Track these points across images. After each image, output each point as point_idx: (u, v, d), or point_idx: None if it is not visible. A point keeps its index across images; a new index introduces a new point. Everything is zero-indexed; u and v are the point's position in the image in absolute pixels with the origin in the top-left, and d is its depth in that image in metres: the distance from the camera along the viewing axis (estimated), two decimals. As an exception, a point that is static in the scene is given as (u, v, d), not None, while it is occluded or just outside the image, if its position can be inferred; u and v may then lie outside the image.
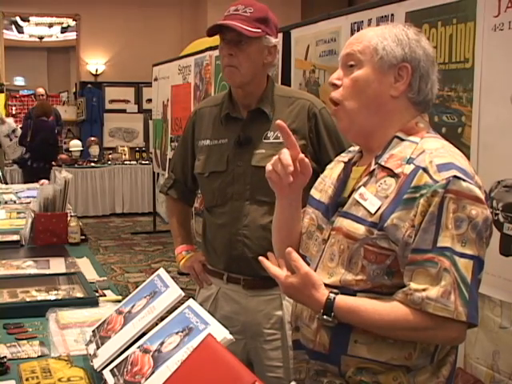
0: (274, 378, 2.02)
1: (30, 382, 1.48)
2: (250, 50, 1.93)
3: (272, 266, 1.46)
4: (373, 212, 1.33)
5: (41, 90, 9.17)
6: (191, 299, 1.48)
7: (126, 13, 10.34)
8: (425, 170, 1.30)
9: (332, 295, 1.35)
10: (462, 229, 1.26)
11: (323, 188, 1.55)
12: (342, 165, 1.54)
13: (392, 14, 2.72)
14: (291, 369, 1.74)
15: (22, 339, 1.78)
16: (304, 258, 1.48)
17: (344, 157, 1.57)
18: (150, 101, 8.27)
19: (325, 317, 1.35)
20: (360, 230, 1.35)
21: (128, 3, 10.35)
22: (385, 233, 1.31)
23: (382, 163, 1.38)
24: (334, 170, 1.56)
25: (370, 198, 1.35)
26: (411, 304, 1.28)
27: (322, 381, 1.43)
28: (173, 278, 1.66)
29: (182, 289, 1.56)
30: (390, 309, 1.31)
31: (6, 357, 1.61)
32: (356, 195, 1.39)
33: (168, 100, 6.53)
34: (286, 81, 3.62)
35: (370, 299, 1.34)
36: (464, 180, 1.27)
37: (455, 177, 1.27)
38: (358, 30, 2.97)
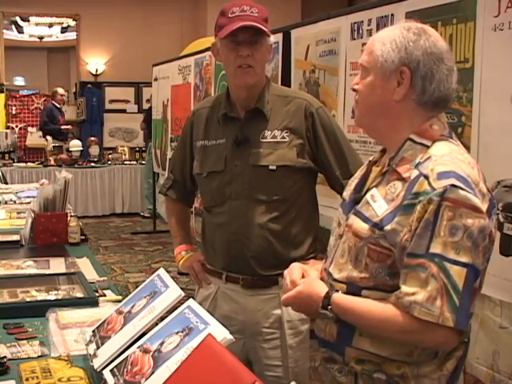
0: (273, 377, 2.02)
1: (29, 382, 1.48)
2: (263, 49, 1.97)
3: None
4: (379, 214, 1.37)
5: (61, 91, 9.32)
6: (191, 299, 1.48)
7: (126, 13, 10.33)
8: (426, 177, 1.32)
9: (332, 292, 1.42)
10: (456, 236, 1.28)
11: (349, 185, 1.61)
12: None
13: (392, 14, 2.72)
14: (308, 357, 1.86)
15: (22, 339, 1.78)
16: (326, 252, 1.59)
17: (372, 157, 1.62)
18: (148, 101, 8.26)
19: (323, 311, 1.42)
20: (365, 229, 1.40)
21: (128, 3, 10.35)
22: (384, 233, 1.35)
23: (394, 166, 1.41)
24: (361, 172, 1.61)
25: (379, 200, 1.40)
26: (401, 307, 1.32)
27: (333, 367, 1.49)
28: (173, 278, 1.66)
29: (182, 289, 1.56)
30: (382, 309, 1.35)
31: (5, 357, 1.61)
32: (368, 195, 1.44)
33: (168, 100, 6.52)
34: (286, 81, 3.62)
35: (367, 299, 1.38)
36: (462, 189, 1.29)
37: (453, 185, 1.29)
38: (358, 30, 2.98)
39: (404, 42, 1.40)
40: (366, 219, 1.40)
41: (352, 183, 1.60)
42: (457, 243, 1.28)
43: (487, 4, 2.17)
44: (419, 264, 1.30)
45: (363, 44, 2.90)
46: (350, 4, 9.33)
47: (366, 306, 1.37)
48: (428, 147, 1.39)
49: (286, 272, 1.59)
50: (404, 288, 1.31)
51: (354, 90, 1.50)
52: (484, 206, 1.31)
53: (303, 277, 1.54)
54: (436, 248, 1.28)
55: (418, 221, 1.30)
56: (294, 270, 1.56)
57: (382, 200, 1.39)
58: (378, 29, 2.82)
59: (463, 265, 1.28)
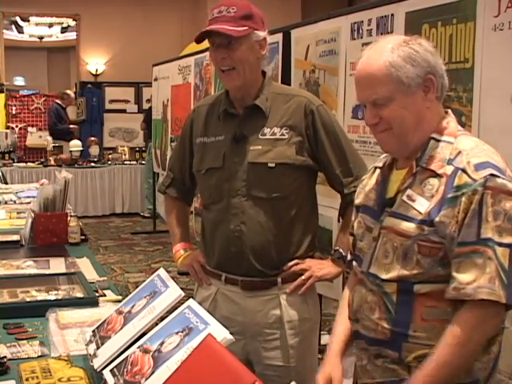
0: (275, 377, 2.02)
1: (29, 382, 1.48)
2: (242, 49, 1.93)
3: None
4: (422, 212, 1.45)
5: (72, 94, 9.53)
6: (191, 299, 1.48)
7: (126, 12, 10.34)
8: (463, 170, 1.41)
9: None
10: (499, 220, 1.38)
11: (364, 192, 1.65)
12: (378, 171, 1.64)
13: (392, 14, 2.72)
14: (352, 354, 1.83)
15: (22, 339, 1.78)
16: (358, 256, 1.63)
17: (378, 163, 1.67)
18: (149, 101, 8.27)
19: None
20: (411, 228, 1.46)
21: (128, 3, 10.35)
22: (435, 228, 1.41)
23: (424, 165, 1.48)
24: (371, 178, 1.66)
25: (418, 199, 1.47)
26: (464, 297, 1.38)
27: (385, 360, 1.53)
28: (173, 278, 1.67)
29: (182, 289, 1.57)
30: (449, 335, 1.39)
31: (5, 357, 1.61)
32: (404, 197, 1.50)
33: (168, 100, 6.52)
34: (286, 81, 3.62)
35: (431, 357, 1.40)
36: (499, 177, 1.39)
37: (492, 175, 1.39)
38: (358, 30, 2.97)
39: (419, 55, 1.47)
40: (408, 219, 1.46)
41: (363, 190, 1.65)
42: (499, 226, 1.38)
43: (487, 4, 2.17)
44: (472, 251, 1.38)
45: (363, 44, 2.90)
46: (350, 4, 9.33)
47: (437, 354, 1.39)
48: (451, 143, 1.47)
49: None
50: (461, 278, 1.38)
51: (375, 124, 1.51)
52: None
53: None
54: (487, 233, 1.37)
55: (464, 212, 1.39)
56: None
57: (421, 198, 1.46)
58: (377, 29, 2.82)
59: (506, 245, 1.38)
